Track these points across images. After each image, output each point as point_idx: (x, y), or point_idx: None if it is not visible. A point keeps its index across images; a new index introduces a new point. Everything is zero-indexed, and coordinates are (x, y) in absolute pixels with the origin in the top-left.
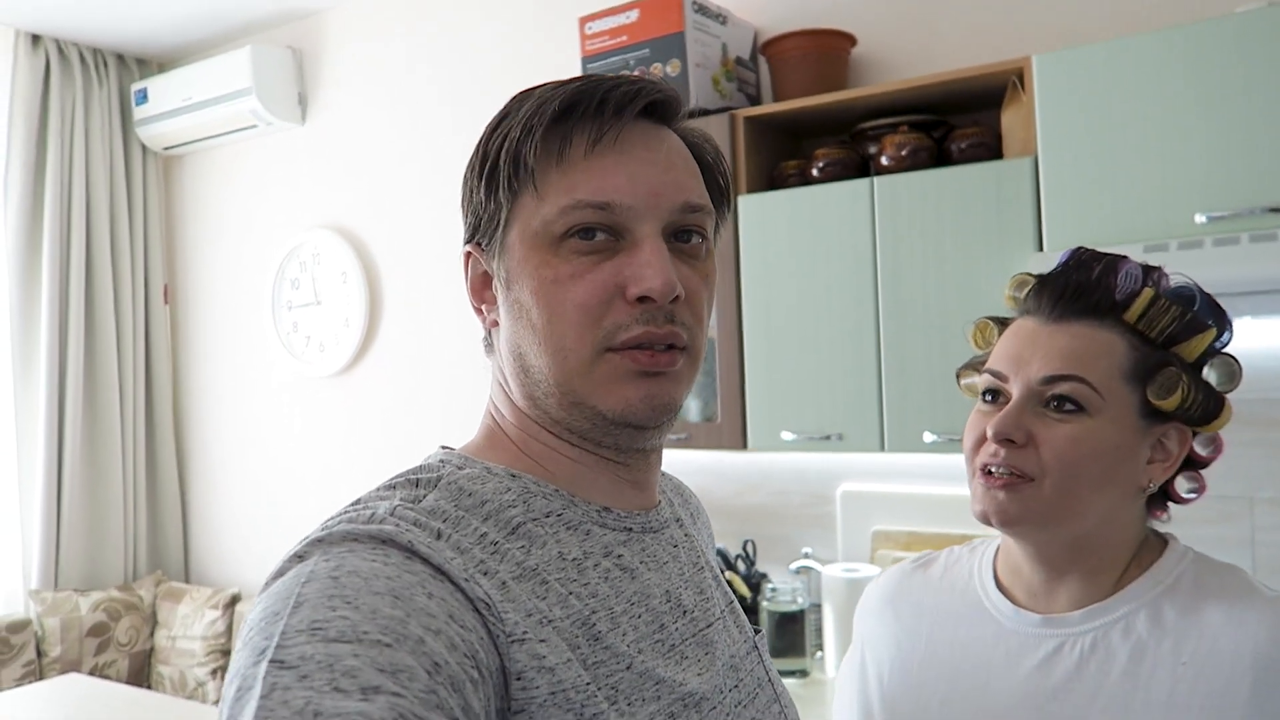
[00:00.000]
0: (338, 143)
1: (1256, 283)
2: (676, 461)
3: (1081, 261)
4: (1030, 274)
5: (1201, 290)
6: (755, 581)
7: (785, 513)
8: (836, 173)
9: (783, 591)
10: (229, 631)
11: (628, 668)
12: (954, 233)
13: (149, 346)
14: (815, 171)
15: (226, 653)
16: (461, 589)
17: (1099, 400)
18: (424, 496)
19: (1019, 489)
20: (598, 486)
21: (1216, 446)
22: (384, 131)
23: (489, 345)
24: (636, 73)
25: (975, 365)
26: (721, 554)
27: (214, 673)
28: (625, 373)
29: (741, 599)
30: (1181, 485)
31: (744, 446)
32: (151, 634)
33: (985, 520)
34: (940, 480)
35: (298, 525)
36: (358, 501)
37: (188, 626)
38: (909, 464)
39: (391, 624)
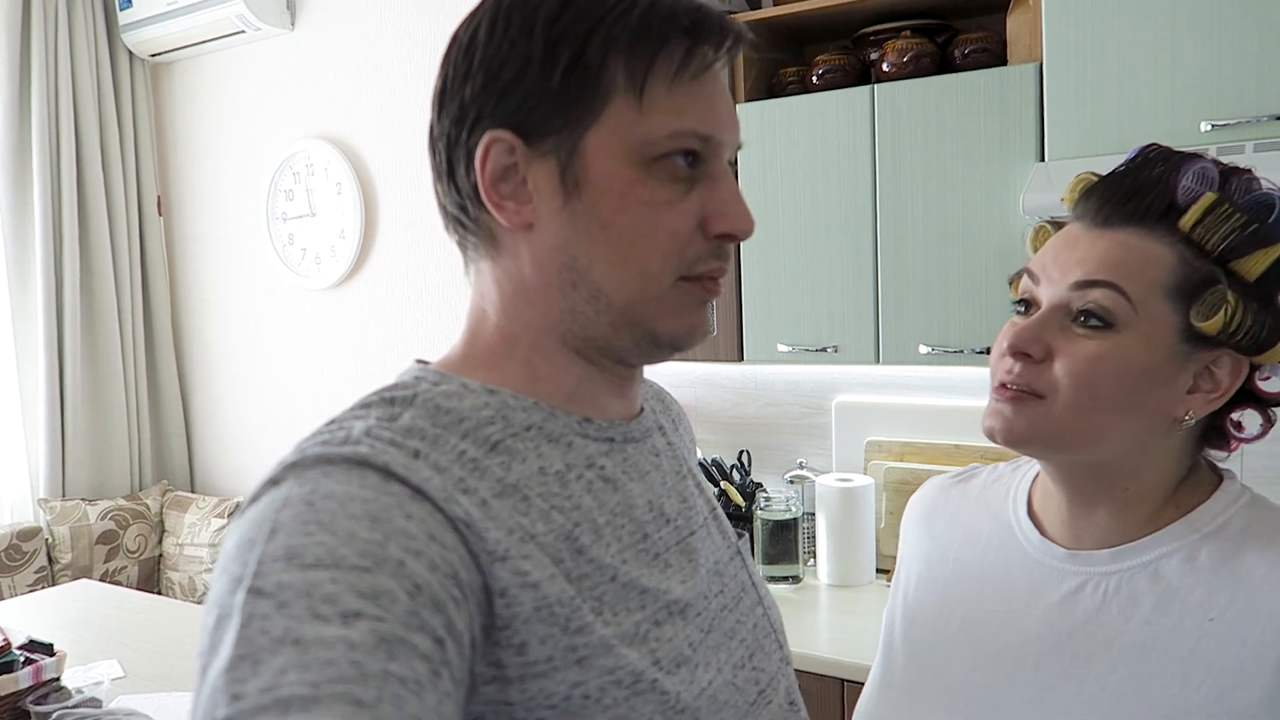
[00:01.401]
0: (328, 50)
1: None
2: (673, 373)
3: (1146, 160)
4: (1093, 173)
5: None
6: (750, 490)
7: (780, 424)
8: (836, 80)
9: (777, 500)
10: None
11: (612, 579)
12: (955, 142)
13: (144, 258)
14: (815, 79)
15: None
16: (441, 509)
17: (1131, 314)
18: (400, 415)
19: (1026, 405)
20: (585, 398)
21: (1258, 380)
22: (376, 37)
23: (488, 243)
24: None
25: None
26: (717, 463)
27: None
28: (696, 300)
29: (736, 507)
30: (1246, 420)
31: (740, 358)
32: (160, 541)
33: (990, 436)
34: (935, 392)
35: (300, 434)
36: (332, 421)
37: (195, 534)
38: (904, 376)
39: (370, 547)
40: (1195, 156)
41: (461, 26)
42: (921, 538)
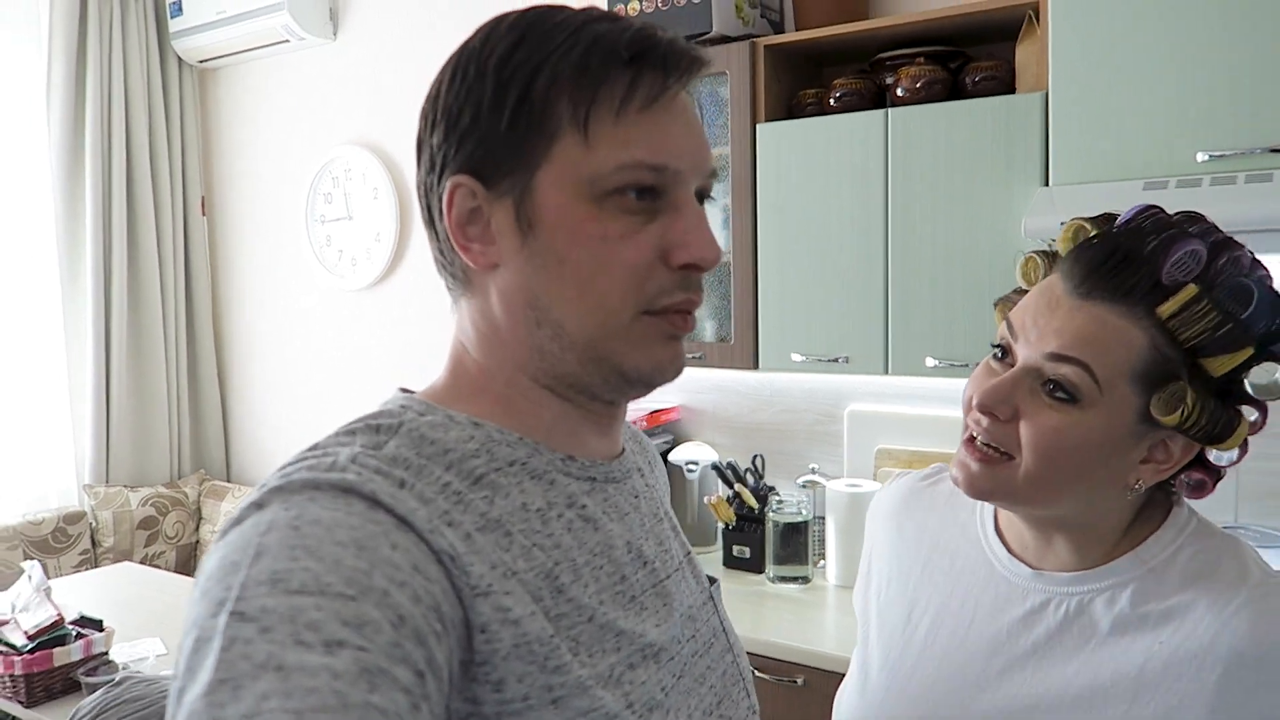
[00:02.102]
0: (369, 59)
1: (1250, 222)
2: (691, 379)
3: (1140, 229)
4: (1086, 222)
5: (1268, 288)
6: (763, 494)
7: (794, 430)
8: (853, 103)
9: (789, 503)
10: None
11: (589, 620)
12: (963, 165)
13: (188, 256)
14: (832, 101)
15: None
16: (426, 540)
17: (1096, 394)
18: (385, 443)
19: (994, 465)
20: (566, 435)
21: (1240, 452)
22: (414, 48)
23: (464, 284)
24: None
25: (1014, 299)
26: (732, 466)
27: None
28: (661, 335)
29: (749, 509)
30: (1186, 482)
31: (755, 366)
32: (197, 528)
33: (956, 485)
34: (940, 403)
35: (331, 430)
36: (315, 446)
37: None
38: (913, 386)
39: (355, 575)
40: (1187, 234)
41: (435, 78)
42: (891, 535)
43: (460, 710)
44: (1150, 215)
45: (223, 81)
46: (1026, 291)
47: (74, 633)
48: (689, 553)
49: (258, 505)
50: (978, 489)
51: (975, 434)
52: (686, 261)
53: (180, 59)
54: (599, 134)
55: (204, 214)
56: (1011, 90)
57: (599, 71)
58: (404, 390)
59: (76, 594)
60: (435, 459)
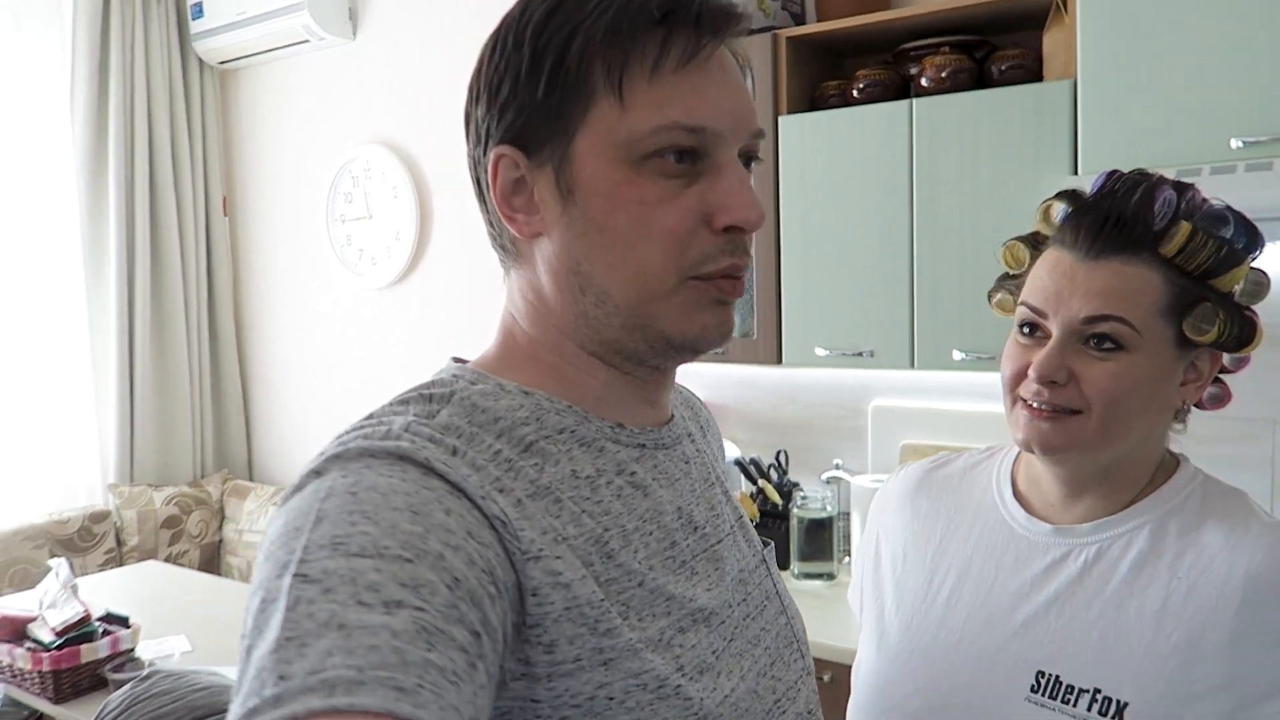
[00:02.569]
0: (388, 59)
1: None
2: (714, 375)
3: (1116, 190)
4: (1061, 199)
5: (1234, 212)
6: (787, 490)
7: (818, 425)
8: (876, 94)
9: (813, 499)
10: None
11: (639, 585)
12: (990, 155)
13: (210, 256)
14: (855, 92)
15: None
16: (478, 505)
17: (1138, 337)
18: (438, 412)
19: (1065, 421)
20: (615, 403)
21: (1244, 359)
22: (433, 47)
23: (513, 254)
24: None
25: (1007, 286)
26: (755, 462)
27: None
28: (709, 300)
29: (773, 505)
30: (1207, 395)
31: (779, 361)
32: (220, 527)
33: (1029, 448)
34: (968, 397)
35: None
36: (371, 416)
37: (253, 521)
38: (938, 381)
39: (411, 539)
40: (1158, 183)
41: (480, 52)
42: (904, 517)
43: (514, 670)
44: (1117, 178)
45: (243, 82)
46: (1014, 277)
47: (101, 629)
48: (741, 516)
49: (316, 473)
50: (1053, 445)
51: (1035, 402)
52: (729, 224)
53: (201, 60)
54: (634, 96)
55: (225, 214)
56: (1039, 78)
57: (630, 33)
58: (456, 360)
59: (103, 592)
60: (486, 427)
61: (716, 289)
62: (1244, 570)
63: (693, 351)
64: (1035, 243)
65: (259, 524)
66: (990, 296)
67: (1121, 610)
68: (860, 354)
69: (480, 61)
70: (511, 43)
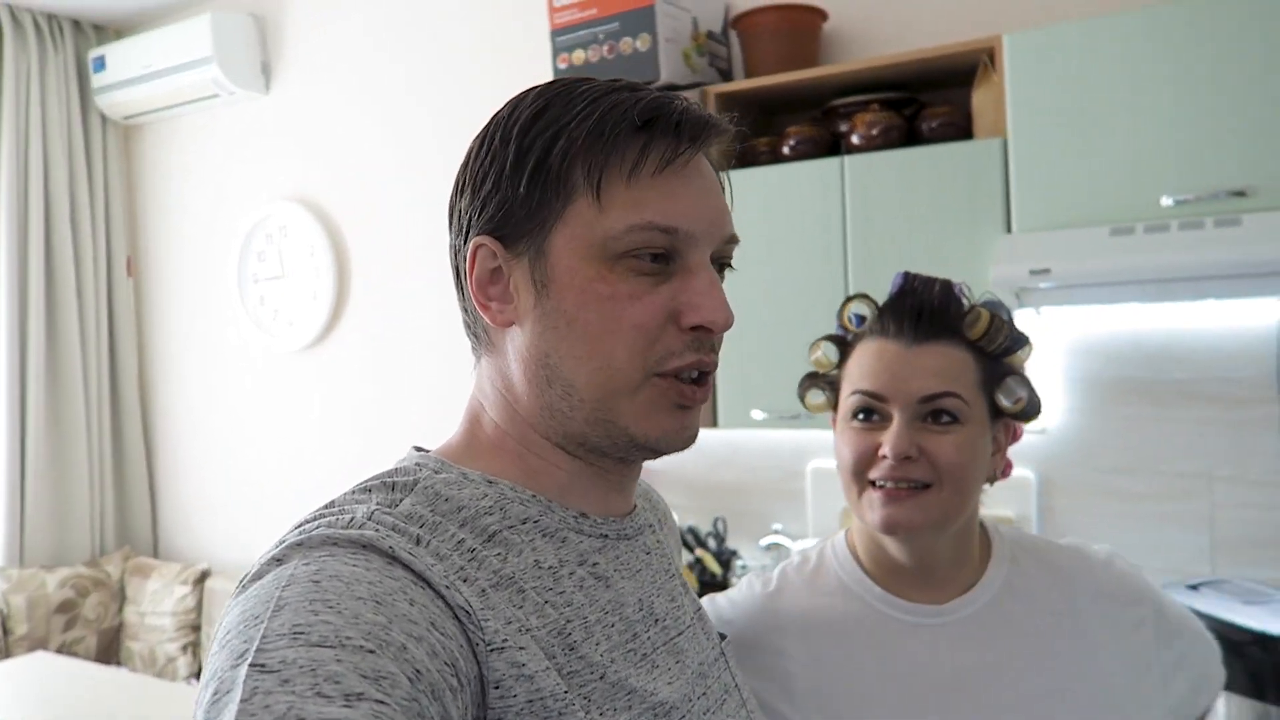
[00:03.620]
0: (303, 114)
1: (1221, 266)
2: None
3: (919, 287)
4: (857, 301)
5: (1003, 304)
6: (725, 558)
7: (756, 489)
8: (808, 151)
9: (753, 569)
10: (199, 607)
11: (601, 677)
12: (924, 213)
13: (112, 319)
14: (786, 149)
15: (197, 628)
16: (442, 596)
17: (969, 409)
18: (400, 500)
19: (919, 497)
20: (579, 493)
21: (1020, 433)
22: (350, 102)
23: (485, 342)
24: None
25: (818, 384)
26: (692, 531)
27: (185, 648)
28: (669, 403)
29: (712, 575)
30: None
31: (714, 424)
32: (120, 610)
33: (888, 530)
34: None
35: (268, 499)
36: (331, 504)
37: (157, 602)
38: None
39: (374, 630)
40: (946, 280)
41: (469, 146)
42: (769, 657)
43: None
44: (913, 277)
45: (149, 137)
46: (822, 375)
47: None
48: (699, 609)
49: (277, 560)
50: (913, 523)
51: (889, 482)
52: (697, 323)
53: (104, 115)
54: (611, 197)
55: (130, 275)
56: (969, 136)
57: (612, 137)
58: (417, 449)
59: None
60: (449, 516)
61: (678, 393)
62: (1092, 590)
63: (653, 452)
64: (842, 342)
65: (163, 605)
66: (802, 397)
67: (1047, 650)
68: (797, 416)
69: (467, 156)
70: (499, 139)
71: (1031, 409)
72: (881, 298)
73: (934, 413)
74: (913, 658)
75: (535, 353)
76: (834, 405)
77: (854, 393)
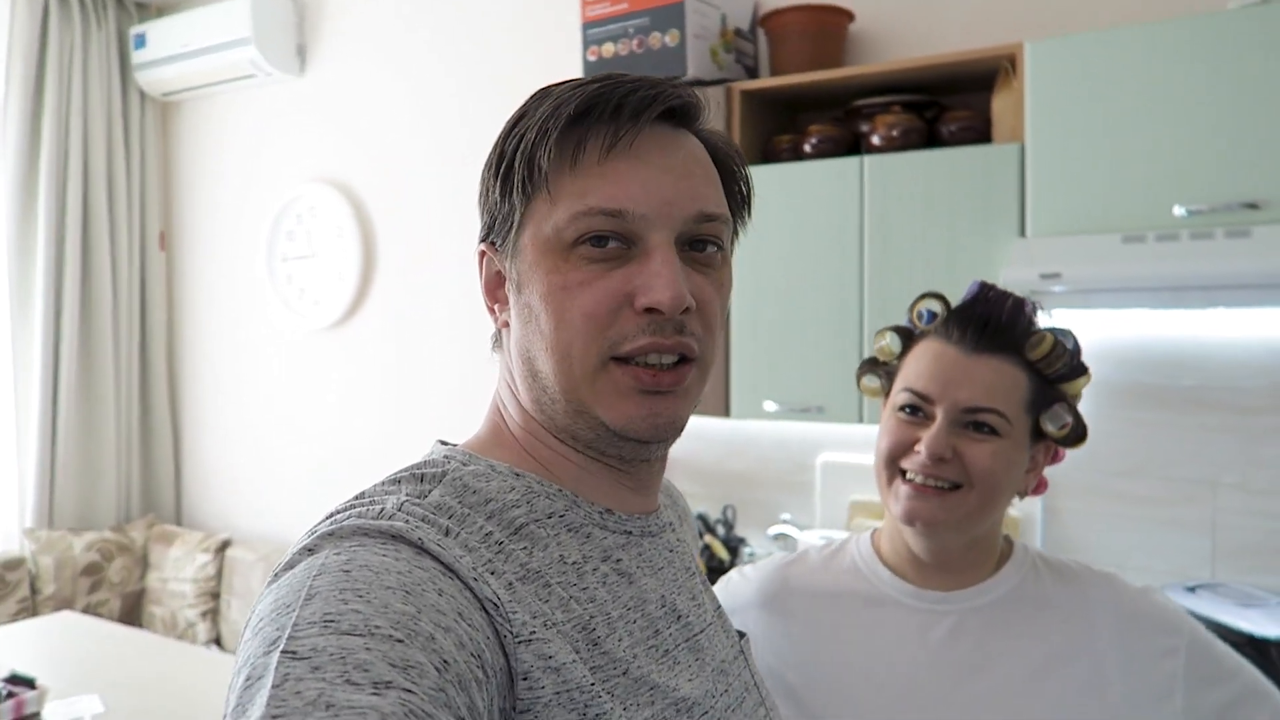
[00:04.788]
0: (336, 96)
1: (1230, 277)
2: None
3: (991, 298)
4: (930, 299)
5: (1074, 335)
6: (733, 545)
7: (766, 479)
8: (828, 149)
9: (760, 556)
10: (219, 575)
11: (624, 673)
12: (940, 214)
13: (144, 291)
14: (808, 147)
15: (216, 595)
16: (470, 587)
17: (1009, 426)
18: (429, 492)
19: (947, 496)
20: (601, 489)
21: (1063, 455)
22: (382, 87)
23: (498, 344)
24: (636, 44)
25: (876, 371)
26: (702, 518)
27: (204, 614)
28: (627, 388)
29: (720, 561)
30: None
31: (727, 414)
32: (143, 575)
33: (909, 521)
34: None
35: (289, 472)
36: (361, 495)
37: (179, 569)
38: None
39: (403, 619)
40: (1021, 298)
41: None
42: (776, 619)
43: None
44: (989, 288)
45: (186, 114)
46: (882, 363)
47: (4, 692)
48: (719, 607)
49: (309, 550)
50: (936, 519)
51: (918, 476)
52: (645, 305)
53: (143, 91)
54: (560, 189)
55: (162, 248)
56: (988, 140)
57: (554, 132)
58: (444, 443)
59: (11, 646)
60: (477, 508)
61: (634, 377)
62: (1113, 609)
63: (633, 441)
64: (908, 335)
65: (185, 571)
66: (858, 379)
67: (1042, 651)
68: (809, 409)
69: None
70: (492, 150)
71: (1075, 436)
72: (897, 300)
73: (975, 423)
74: (905, 637)
75: (519, 350)
76: (886, 393)
77: (904, 389)
